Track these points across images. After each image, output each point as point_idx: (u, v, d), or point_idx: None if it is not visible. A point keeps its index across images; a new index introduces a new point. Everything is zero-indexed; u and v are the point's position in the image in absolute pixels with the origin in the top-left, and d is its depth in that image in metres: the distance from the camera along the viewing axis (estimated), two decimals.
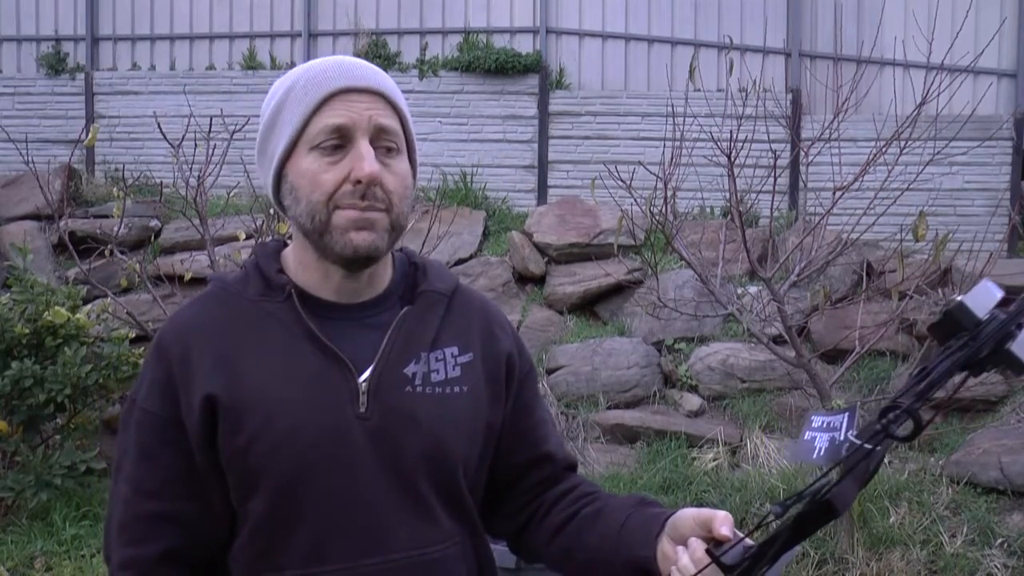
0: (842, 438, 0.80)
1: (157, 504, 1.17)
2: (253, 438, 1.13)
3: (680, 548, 1.01)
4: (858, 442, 0.84)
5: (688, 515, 1.05)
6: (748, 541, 0.94)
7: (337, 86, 1.14)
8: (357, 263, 1.17)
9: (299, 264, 1.22)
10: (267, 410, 1.14)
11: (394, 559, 1.15)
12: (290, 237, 1.29)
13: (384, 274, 1.25)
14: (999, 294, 0.85)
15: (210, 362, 1.16)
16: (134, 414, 1.19)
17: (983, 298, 0.85)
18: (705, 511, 1.01)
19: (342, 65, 1.17)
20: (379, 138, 1.15)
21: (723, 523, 0.98)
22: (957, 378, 0.85)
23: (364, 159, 1.12)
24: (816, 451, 0.77)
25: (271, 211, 4.33)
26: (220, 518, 1.18)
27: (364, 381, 1.17)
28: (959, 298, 0.85)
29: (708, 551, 0.95)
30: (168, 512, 1.17)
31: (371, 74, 1.17)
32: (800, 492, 0.85)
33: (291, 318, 1.17)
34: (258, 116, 1.25)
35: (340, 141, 1.14)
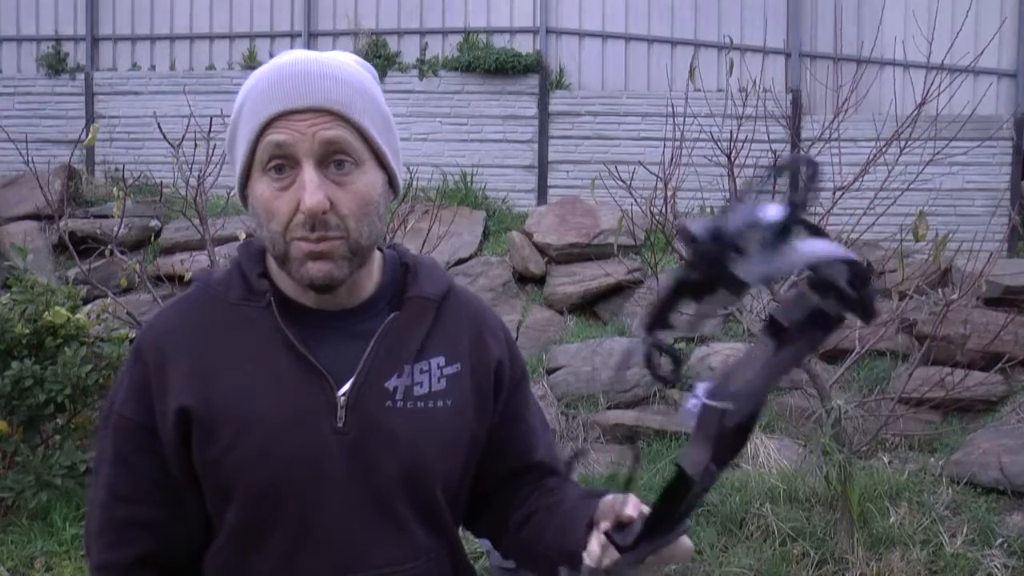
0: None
1: (131, 509, 1.16)
2: (226, 450, 1.11)
3: (593, 533, 1.01)
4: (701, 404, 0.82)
5: (607, 502, 1.04)
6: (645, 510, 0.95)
7: (276, 110, 1.07)
8: (319, 290, 1.13)
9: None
10: (241, 422, 1.11)
11: None
12: None
13: (368, 280, 1.20)
14: (768, 214, 0.70)
15: (185, 371, 1.14)
16: (111, 418, 1.18)
17: (730, 216, 0.70)
18: (618, 496, 1.01)
19: (286, 80, 1.08)
20: (329, 154, 1.08)
21: (626, 505, 0.99)
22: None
23: (306, 189, 1.06)
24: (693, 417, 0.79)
25: None
26: (195, 523, 1.17)
27: (343, 395, 1.13)
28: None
29: (606, 533, 0.97)
30: (142, 517, 1.16)
31: (316, 88, 1.08)
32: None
33: (271, 326, 1.14)
34: None
35: (284, 160, 1.08)
